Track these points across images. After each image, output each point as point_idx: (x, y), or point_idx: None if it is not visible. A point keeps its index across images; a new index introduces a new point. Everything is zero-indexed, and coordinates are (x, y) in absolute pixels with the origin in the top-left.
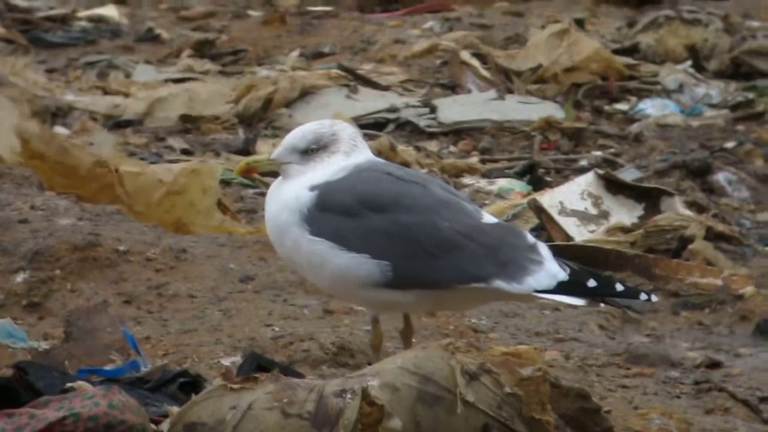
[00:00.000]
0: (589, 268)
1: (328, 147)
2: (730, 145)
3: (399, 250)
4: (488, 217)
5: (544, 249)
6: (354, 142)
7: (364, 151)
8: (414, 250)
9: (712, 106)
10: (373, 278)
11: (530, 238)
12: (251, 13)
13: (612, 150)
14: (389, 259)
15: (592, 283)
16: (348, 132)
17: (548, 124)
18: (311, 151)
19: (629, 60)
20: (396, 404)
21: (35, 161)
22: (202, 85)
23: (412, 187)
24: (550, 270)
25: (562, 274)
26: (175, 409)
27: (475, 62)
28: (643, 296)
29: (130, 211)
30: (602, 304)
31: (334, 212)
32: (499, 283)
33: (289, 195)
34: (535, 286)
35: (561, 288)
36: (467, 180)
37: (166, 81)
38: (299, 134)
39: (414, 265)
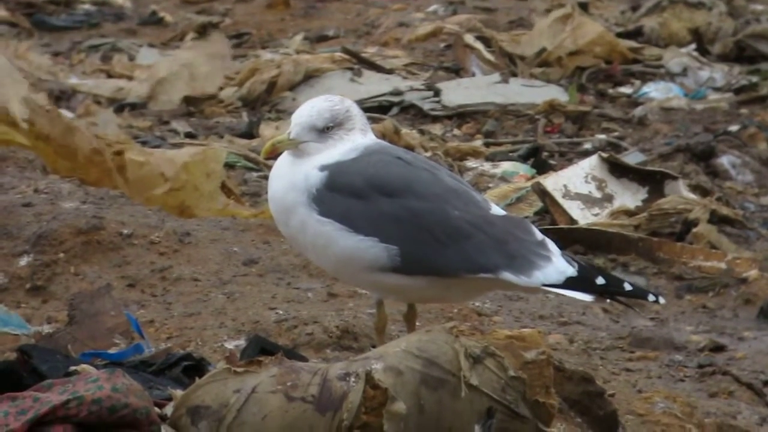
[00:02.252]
0: (597, 265)
1: (344, 124)
2: (733, 128)
3: (408, 235)
4: (496, 209)
5: (552, 245)
6: (364, 120)
7: (370, 131)
8: (423, 237)
9: (716, 89)
10: (380, 262)
11: (538, 234)
12: None
13: (616, 133)
14: (397, 244)
15: (600, 280)
16: (357, 108)
17: (552, 108)
18: (328, 128)
19: (633, 43)
20: (400, 387)
21: (40, 143)
22: (198, 54)
23: (422, 173)
24: (559, 266)
25: (571, 270)
26: (178, 393)
27: (479, 45)
28: (651, 297)
29: (133, 190)
30: (608, 300)
31: (344, 193)
32: (508, 275)
33: (298, 174)
34: (544, 280)
35: (569, 284)
36: (471, 163)
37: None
38: (315, 112)
39: (422, 252)
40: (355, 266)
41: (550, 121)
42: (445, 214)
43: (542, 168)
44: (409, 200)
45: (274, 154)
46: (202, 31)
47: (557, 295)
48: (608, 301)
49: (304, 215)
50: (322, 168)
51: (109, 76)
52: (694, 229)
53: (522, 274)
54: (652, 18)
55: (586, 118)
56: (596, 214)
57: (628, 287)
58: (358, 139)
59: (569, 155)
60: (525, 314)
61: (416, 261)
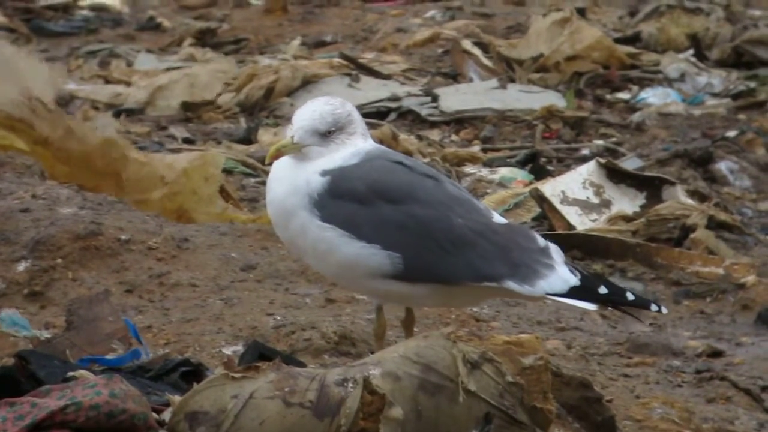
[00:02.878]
0: (599, 274)
1: (345, 128)
2: (731, 134)
3: (412, 242)
4: (498, 217)
5: (555, 252)
6: (364, 124)
7: (369, 136)
8: (427, 244)
9: (714, 95)
10: (382, 269)
11: (541, 241)
12: (253, 1)
13: (614, 139)
14: (401, 251)
15: (603, 290)
16: (357, 111)
17: (550, 113)
18: (330, 132)
19: (631, 49)
20: (397, 393)
21: (38, 148)
22: (201, 67)
23: (426, 180)
24: (562, 274)
25: (574, 279)
26: (176, 398)
27: (477, 51)
28: (654, 307)
29: (130, 199)
30: (610, 308)
31: (347, 199)
32: (511, 284)
33: (300, 179)
34: (547, 290)
35: (572, 293)
36: (469, 169)
37: (168, 70)
38: (317, 116)
39: (426, 259)
40: (357, 273)
41: (548, 127)
42: (448, 221)
43: (540, 174)
44: (413, 207)
45: (278, 158)
46: (200, 36)
47: (560, 303)
48: (609, 308)
49: (305, 220)
50: (324, 173)
51: (107, 81)
52: (692, 235)
53: (526, 284)
54: (650, 23)
55: (583, 123)
56: (594, 220)
57: (630, 297)
58: (359, 143)
59: (567, 161)
60: (523, 320)
61: (419, 269)
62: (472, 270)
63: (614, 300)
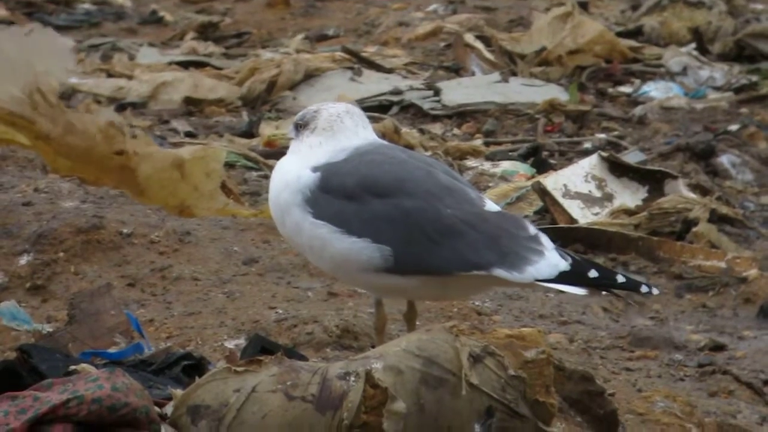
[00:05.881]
0: (590, 259)
1: (309, 124)
2: (733, 127)
3: (400, 235)
4: (491, 205)
5: (545, 239)
6: (337, 122)
7: (361, 132)
8: (415, 236)
9: (716, 88)
10: (374, 263)
11: (532, 229)
12: None
13: (616, 132)
14: (390, 244)
15: (593, 273)
16: (331, 111)
17: (552, 107)
18: (298, 126)
19: (633, 42)
20: (400, 387)
21: (39, 143)
22: (206, 76)
23: (416, 172)
24: (551, 260)
25: (564, 264)
26: (178, 392)
27: (479, 45)
28: (644, 288)
29: (133, 189)
30: (604, 293)
31: (337, 195)
32: (500, 272)
33: (291, 174)
34: (536, 276)
35: (562, 278)
36: (471, 162)
37: (170, 64)
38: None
39: (415, 251)
40: (350, 268)
41: (550, 121)
42: (436, 212)
43: (542, 167)
44: (401, 200)
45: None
46: (203, 30)
47: (551, 289)
48: (603, 293)
49: (299, 218)
50: (315, 169)
51: (110, 75)
52: (694, 229)
53: (514, 270)
54: (652, 17)
55: (586, 117)
56: (596, 213)
57: (620, 279)
58: (324, 141)
59: (569, 154)
60: (525, 313)
61: (409, 261)
62: (460, 259)
63: (605, 283)
